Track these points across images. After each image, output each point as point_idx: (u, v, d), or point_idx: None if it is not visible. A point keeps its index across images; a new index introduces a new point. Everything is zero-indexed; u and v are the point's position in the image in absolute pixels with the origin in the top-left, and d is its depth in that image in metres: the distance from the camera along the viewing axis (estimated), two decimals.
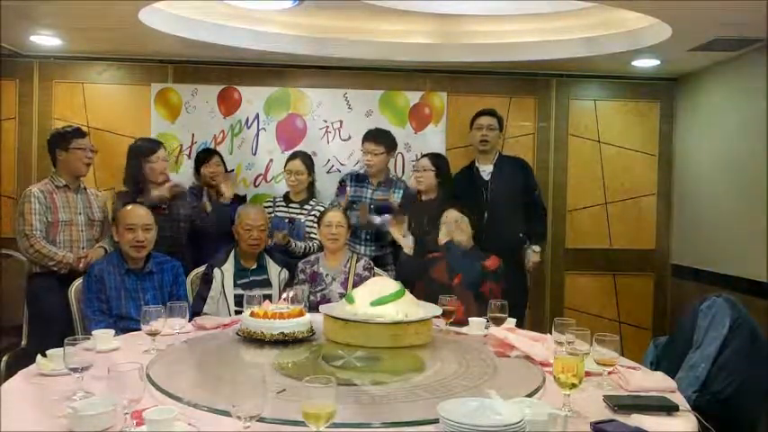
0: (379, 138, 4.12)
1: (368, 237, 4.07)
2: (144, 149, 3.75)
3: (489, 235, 3.89)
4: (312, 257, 3.57)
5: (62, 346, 1.92)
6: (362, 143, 4.16)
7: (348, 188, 4.12)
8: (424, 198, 3.96)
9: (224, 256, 3.44)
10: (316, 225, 3.73)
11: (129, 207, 3.17)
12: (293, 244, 3.80)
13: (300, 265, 3.51)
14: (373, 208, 4.03)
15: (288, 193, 4.14)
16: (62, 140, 3.53)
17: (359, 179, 4.19)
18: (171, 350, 2.41)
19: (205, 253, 3.64)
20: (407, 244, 3.63)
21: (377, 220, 3.99)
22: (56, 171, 3.55)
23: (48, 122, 4.41)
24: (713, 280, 4.25)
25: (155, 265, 3.12)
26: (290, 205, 4.05)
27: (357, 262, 3.53)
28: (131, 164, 3.74)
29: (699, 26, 3.49)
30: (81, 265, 3.38)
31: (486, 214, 3.94)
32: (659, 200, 4.89)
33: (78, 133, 3.58)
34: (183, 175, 4.36)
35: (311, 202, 4.06)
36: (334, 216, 3.52)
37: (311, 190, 4.14)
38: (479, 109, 4.23)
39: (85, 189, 3.64)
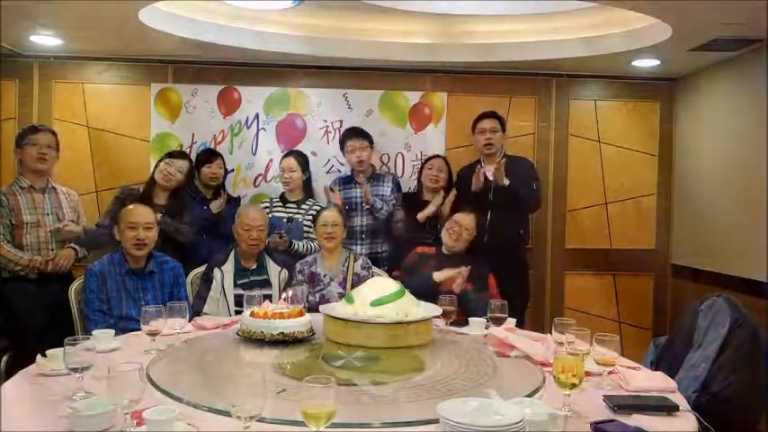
0: (361, 134, 4.18)
1: (363, 235, 4.08)
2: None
3: (492, 235, 3.90)
4: (310, 258, 3.57)
5: (40, 349, 1.92)
6: (345, 142, 4.19)
7: (337, 192, 4.12)
8: (428, 197, 3.98)
9: (224, 256, 3.44)
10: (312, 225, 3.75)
11: (131, 206, 3.17)
12: (295, 245, 3.81)
13: (298, 265, 3.51)
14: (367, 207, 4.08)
15: (284, 193, 4.15)
16: (19, 139, 3.50)
17: (346, 181, 4.22)
18: (171, 350, 2.41)
19: (205, 253, 3.65)
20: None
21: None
22: (21, 172, 3.52)
23: (48, 122, 4.40)
24: (713, 280, 4.25)
25: (155, 266, 3.12)
26: (287, 205, 4.05)
27: (355, 261, 3.53)
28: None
29: (699, 26, 3.49)
30: (49, 268, 3.37)
31: (489, 214, 3.95)
32: (659, 200, 4.89)
33: (33, 130, 3.53)
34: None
35: (308, 202, 4.07)
36: (330, 215, 3.52)
37: (307, 190, 4.15)
38: (480, 111, 4.23)
39: (55, 189, 3.57)
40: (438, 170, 4.05)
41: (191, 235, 3.73)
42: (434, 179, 4.03)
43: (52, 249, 3.44)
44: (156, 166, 3.80)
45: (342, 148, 4.24)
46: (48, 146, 3.51)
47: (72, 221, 3.52)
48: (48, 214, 3.47)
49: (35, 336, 3.24)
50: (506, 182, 3.83)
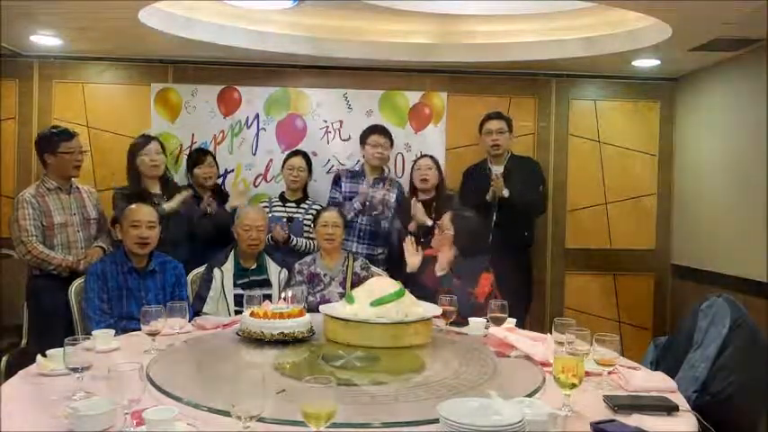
0: (384, 131, 4.18)
1: (363, 235, 4.07)
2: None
3: (497, 235, 3.91)
4: (309, 258, 3.58)
5: (63, 346, 1.92)
6: (367, 137, 4.16)
7: (344, 183, 4.12)
8: (422, 197, 3.97)
9: (223, 256, 3.44)
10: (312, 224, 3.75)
11: (134, 205, 3.20)
12: (294, 239, 3.81)
13: (297, 266, 3.52)
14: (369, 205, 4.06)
15: (283, 193, 4.15)
16: (49, 144, 3.48)
17: (354, 175, 4.20)
18: (171, 350, 2.42)
19: (204, 254, 3.64)
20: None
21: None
22: (46, 174, 3.52)
23: (48, 122, 4.39)
24: (713, 280, 4.25)
25: (157, 265, 3.13)
26: (287, 205, 4.06)
27: (354, 261, 3.55)
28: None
29: (699, 26, 3.49)
30: (81, 266, 3.38)
31: (494, 215, 3.94)
32: (659, 200, 4.89)
33: (66, 135, 3.51)
34: (182, 175, 4.36)
35: (308, 201, 4.08)
36: (330, 216, 3.53)
37: (305, 190, 4.16)
38: (480, 111, 4.23)
39: (78, 188, 3.61)
40: (426, 169, 4.00)
41: (195, 215, 3.74)
42: (423, 178, 3.99)
43: (81, 248, 3.47)
44: (132, 163, 3.75)
45: (362, 141, 4.20)
46: (80, 151, 3.55)
47: (99, 247, 3.52)
48: (74, 214, 3.50)
49: (62, 332, 3.24)
50: (506, 193, 3.83)
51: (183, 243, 3.73)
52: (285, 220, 3.96)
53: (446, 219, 3.37)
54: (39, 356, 2.16)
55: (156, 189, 3.75)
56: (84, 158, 3.62)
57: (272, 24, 4.17)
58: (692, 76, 4.66)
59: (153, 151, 3.73)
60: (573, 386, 1.79)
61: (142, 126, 4.48)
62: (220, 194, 4.20)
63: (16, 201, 3.43)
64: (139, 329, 2.46)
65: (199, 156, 4.14)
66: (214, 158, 4.20)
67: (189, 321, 2.70)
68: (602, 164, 4.85)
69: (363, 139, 4.20)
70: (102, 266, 3.05)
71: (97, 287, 2.98)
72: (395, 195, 4.13)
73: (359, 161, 4.44)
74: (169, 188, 3.79)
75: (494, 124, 4.11)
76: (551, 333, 2.41)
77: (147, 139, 3.84)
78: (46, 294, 3.39)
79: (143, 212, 3.11)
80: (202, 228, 3.80)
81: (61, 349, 1.94)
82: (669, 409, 1.87)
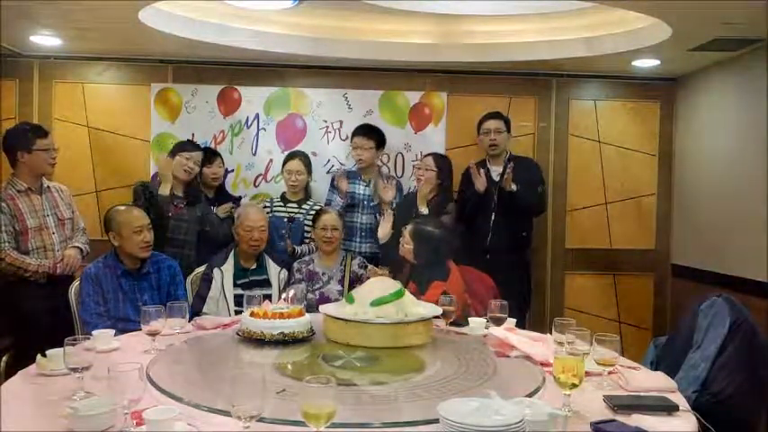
0: (369, 132, 4.16)
1: (363, 233, 4.07)
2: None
3: (496, 235, 3.90)
4: (307, 257, 3.60)
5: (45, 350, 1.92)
6: (352, 138, 4.20)
7: (345, 180, 4.09)
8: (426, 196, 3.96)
9: (223, 256, 3.44)
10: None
11: (123, 208, 3.15)
12: (299, 251, 3.82)
13: (296, 264, 3.54)
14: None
15: (284, 193, 4.15)
16: (23, 141, 3.31)
17: (351, 176, 4.20)
18: (171, 350, 2.41)
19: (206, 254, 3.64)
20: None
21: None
22: (14, 174, 3.35)
23: (48, 122, 4.40)
24: (713, 280, 4.25)
25: (151, 265, 3.12)
26: (288, 205, 4.06)
27: (352, 260, 3.58)
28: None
29: (699, 26, 3.49)
30: (58, 271, 3.30)
31: (493, 215, 3.94)
32: (659, 200, 4.89)
33: (41, 132, 3.37)
34: None
35: (309, 202, 4.08)
36: (329, 219, 3.54)
37: (307, 190, 4.17)
38: (480, 111, 4.22)
39: (49, 187, 3.47)
40: (425, 169, 3.96)
41: (218, 225, 3.77)
42: (419, 178, 3.96)
43: (58, 251, 3.37)
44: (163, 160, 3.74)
45: (351, 141, 4.24)
46: (54, 149, 3.43)
47: (75, 247, 3.44)
48: (48, 215, 3.39)
49: (45, 337, 3.22)
50: (514, 188, 3.82)
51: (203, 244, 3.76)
52: (286, 220, 3.97)
53: (407, 233, 3.31)
54: (39, 356, 2.16)
55: (179, 192, 3.72)
56: (57, 156, 3.45)
57: (272, 24, 4.17)
58: (692, 76, 4.66)
59: (193, 159, 3.75)
60: (573, 386, 1.79)
61: (142, 126, 4.50)
62: (223, 194, 4.20)
63: None
64: (137, 331, 2.46)
65: (208, 156, 4.10)
66: (222, 160, 4.19)
67: (189, 321, 2.70)
68: (602, 164, 4.85)
69: (351, 138, 4.23)
70: (96, 270, 3.02)
71: (92, 291, 2.96)
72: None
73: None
74: (193, 194, 3.78)
75: (492, 124, 4.11)
76: (551, 333, 2.41)
77: (195, 146, 3.91)
78: (23, 302, 3.27)
79: (141, 217, 3.10)
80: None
81: (61, 349, 1.94)
82: (669, 409, 1.87)
